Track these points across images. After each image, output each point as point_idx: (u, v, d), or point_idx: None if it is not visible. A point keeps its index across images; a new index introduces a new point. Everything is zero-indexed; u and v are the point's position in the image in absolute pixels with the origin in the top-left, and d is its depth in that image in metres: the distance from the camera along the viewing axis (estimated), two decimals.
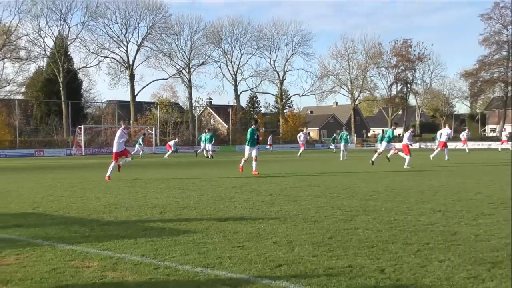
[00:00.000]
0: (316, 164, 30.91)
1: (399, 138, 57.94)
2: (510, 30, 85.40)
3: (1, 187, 17.22)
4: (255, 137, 22.23)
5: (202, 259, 6.61)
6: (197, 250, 7.14)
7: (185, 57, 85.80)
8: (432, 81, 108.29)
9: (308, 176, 20.36)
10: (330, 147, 64.40)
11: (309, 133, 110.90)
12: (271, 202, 12.13)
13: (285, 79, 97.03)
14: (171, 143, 48.49)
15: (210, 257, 6.71)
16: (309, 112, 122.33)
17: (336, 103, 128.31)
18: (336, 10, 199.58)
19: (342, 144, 37.12)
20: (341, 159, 35.56)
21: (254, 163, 21.63)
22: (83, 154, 59.16)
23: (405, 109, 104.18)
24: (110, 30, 78.66)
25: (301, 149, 42.45)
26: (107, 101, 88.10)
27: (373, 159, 27.41)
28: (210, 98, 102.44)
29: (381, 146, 27.70)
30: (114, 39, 78.64)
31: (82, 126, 62.07)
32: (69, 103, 68.19)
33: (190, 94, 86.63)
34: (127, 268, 6.24)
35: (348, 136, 38.21)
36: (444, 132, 32.54)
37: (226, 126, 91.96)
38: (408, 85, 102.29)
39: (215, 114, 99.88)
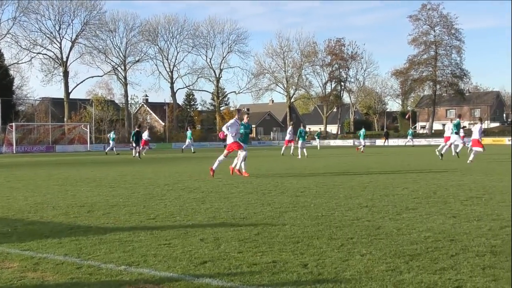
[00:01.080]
0: (251, 161, 31.00)
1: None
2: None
3: None
4: (247, 131, 19.87)
5: (126, 257, 6.55)
6: (123, 248, 7.07)
7: (121, 54, 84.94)
8: (365, 79, 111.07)
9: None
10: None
11: None
12: (202, 200, 12.12)
13: (221, 76, 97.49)
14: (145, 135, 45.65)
15: (135, 255, 6.66)
16: (246, 110, 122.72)
17: (272, 101, 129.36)
18: (271, 10, 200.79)
19: (300, 142, 35.18)
20: (300, 157, 34.00)
21: (242, 163, 19.00)
22: (14, 152, 57.60)
23: (339, 107, 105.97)
24: (43, 26, 77.12)
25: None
26: (40, 98, 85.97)
27: (442, 152, 28.09)
28: (146, 96, 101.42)
29: (454, 138, 28.04)
30: (47, 35, 77.12)
31: (14, 124, 60.43)
32: (0, 100, 66.19)
33: (126, 91, 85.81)
34: (48, 268, 6.12)
35: (305, 133, 36.97)
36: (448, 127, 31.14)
37: (163, 123, 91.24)
38: (342, 83, 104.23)
39: (151, 112, 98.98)
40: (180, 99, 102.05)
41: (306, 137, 35.92)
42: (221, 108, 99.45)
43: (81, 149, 64.31)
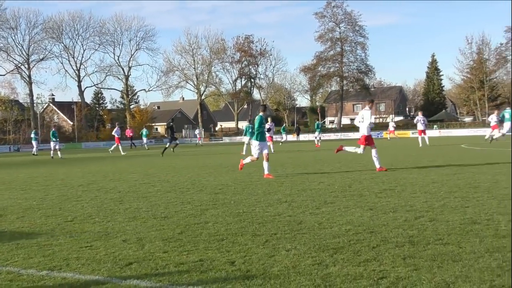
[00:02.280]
0: (164, 159, 30.74)
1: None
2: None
3: None
4: (265, 129, 17.68)
5: (47, 262, 6.35)
6: (42, 252, 6.85)
7: (24, 52, 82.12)
8: (274, 76, 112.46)
9: (157, 171, 20.21)
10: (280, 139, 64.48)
11: (157, 128, 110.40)
12: (120, 200, 11.90)
13: (130, 74, 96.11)
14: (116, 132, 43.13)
15: (56, 259, 6.46)
16: (156, 108, 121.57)
17: (183, 98, 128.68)
18: (178, 7, 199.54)
19: (247, 138, 33.15)
20: (244, 152, 31.97)
21: (265, 164, 16.42)
22: None
23: (250, 103, 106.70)
24: None
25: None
26: None
27: (495, 137, 32.39)
28: (52, 95, 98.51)
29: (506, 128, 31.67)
30: None
31: None
32: None
33: (31, 90, 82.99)
34: None
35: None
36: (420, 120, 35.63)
37: (71, 123, 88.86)
38: (252, 80, 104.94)
39: (58, 111, 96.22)
40: (89, 97, 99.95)
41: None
42: (131, 106, 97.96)
43: None
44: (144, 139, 53.86)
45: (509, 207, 9.03)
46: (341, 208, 9.67)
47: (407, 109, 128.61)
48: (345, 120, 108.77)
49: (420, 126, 35.55)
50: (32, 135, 45.40)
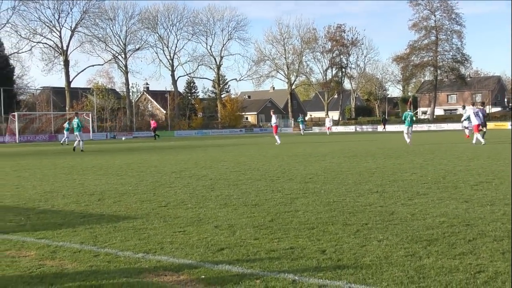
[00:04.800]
0: (254, 148, 31.01)
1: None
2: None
3: None
4: None
5: (143, 245, 6.55)
6: (138, 236, 7.07)
7: (121, 43, 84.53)
8: (366, 65, 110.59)
9: (248, 160, 20.42)
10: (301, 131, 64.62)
11: (247, 117, 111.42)
12: (211, 187, 12.11)
13: (222, 64, 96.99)
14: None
15: (151, 243, 6.65)
16: (247, 97, 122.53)
17: (273, 88, 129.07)
18: None
19: (406, 127, 30.48)
20: (408, 141, 29.65)
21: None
22: (17, 141, 57.58)
23: (340, 93, 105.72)
24: (42, 15, 76.67)
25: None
26: (41, 87, 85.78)
27: None
28: (147, 84, 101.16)
29: None
30: (47, 24, 76.69)
31: (16, 113, 60.36)
32: (1, 90, 66.08)
33: (127, 79, 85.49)
34: (66, 256, 6.12)
35: (413, 117, 31.08)
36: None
37: (164, 111, 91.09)
38: (343, 69, 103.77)
39: (152, 100, 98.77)
40: (181, 87, 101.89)
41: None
42: (222, 96, 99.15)
43: (84, 137, 64.22)
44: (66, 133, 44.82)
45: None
46: (435, 199, 9.43)
47: (505, 100, 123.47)
48: (439, 111, 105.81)
49: (475, 120, 28.42)
50: (66, 125, 44.89)
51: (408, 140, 29.29)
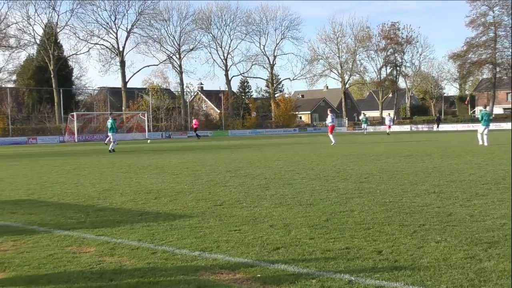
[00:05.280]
0: (309, 147, 30.92)
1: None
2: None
3: None
4: None
5: (199, 243, 6.62)
6: (194, 234, 7.15)
7: (175, 43, 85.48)
8: (421, 64, 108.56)
9: (302, 159, 20.37)
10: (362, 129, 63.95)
11: (300, 117, 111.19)
12: (266, 186, 12.14)
13: (275, 63, 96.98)
14: None
15: (207, 241, 6.72)
16: (300, 96, 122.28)
17: (327, 87, 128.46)
18: None
19: (482, 127, 28.66)
20: (481, 143, 27.89)
21: None
22: (76, 140, 59.00)
23: (395, 92, 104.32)
24: (99, 17, 78.31)
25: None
26: (98, 88, 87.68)
27: None
28: (201, 84, 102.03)
29: None
30: (104, 26, 78.22)
31: (74, 113, 61.82)
32: (61, 91, 67.82)
33: (181, 79, 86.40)
34: (125, 253, 6.24)
35: (489, 116, 29.21)
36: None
37: (218, 111, 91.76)
38: (398, 68, 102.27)
39: (206, 99, 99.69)
40: (235, 86, 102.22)
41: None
42: (276, 95, 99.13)
43: (140, 137, 65.29)
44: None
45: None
46: (495, 201, 9.21)
47: None
48: (498, 110, 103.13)
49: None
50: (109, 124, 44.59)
51: (481, 142, 27.84)
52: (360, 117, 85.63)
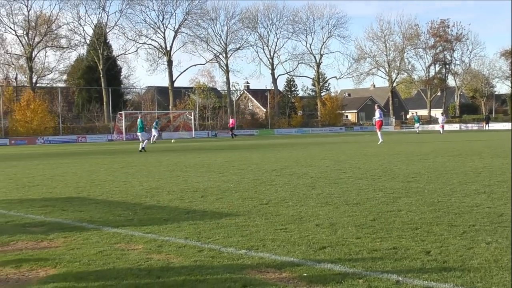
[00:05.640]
0: (355, 146, 30.69)
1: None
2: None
3: (46, 172, 17.55)
4: None
5: (245, 242, 6.64)
6: (240, 232, 7.17)
7: (222, 42, 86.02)
8: (471, 61, 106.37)
9: (348, 158, 20.23)
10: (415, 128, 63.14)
11: (347, 115, 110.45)
12: (312, 185, 12.09)
13: (321, 62, 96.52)
14: None
15: (253, 240, 6.73)
16: (347, 95, 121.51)
17: (374, 85, 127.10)
18: None
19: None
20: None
21: None
22: (124, 139, 59.92)
23: (444, 90, 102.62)
24: (148, 17, 79.65)
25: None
26: (146, 87, 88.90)
27: None
28: (247, 82, 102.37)
29: None
30: (152, 26, 79.31)
31: (123, 112, 62.80)
32: (109, 90, 69.02)
33: (228, 78, 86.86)
34: (172, 251, 6.30)
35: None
36: None
37: (264, 110, 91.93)
38: (447, 66, 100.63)
39: (252, 98, 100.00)
40: (281, 85, 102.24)
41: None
42: (322, 94, 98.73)
43: (186, 136, 65.94)
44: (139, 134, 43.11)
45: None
46: None
47: None
48: None
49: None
50: (154, 124, 45.37)
51: None
52: (408, 116, 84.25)
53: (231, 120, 62.36)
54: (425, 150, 24.57)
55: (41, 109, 61.67)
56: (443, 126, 58.83)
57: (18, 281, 5.35)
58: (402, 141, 37.92)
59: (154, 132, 44.66)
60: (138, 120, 33.25)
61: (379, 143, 31.88)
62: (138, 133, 32.53)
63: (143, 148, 30.54)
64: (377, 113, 34.39)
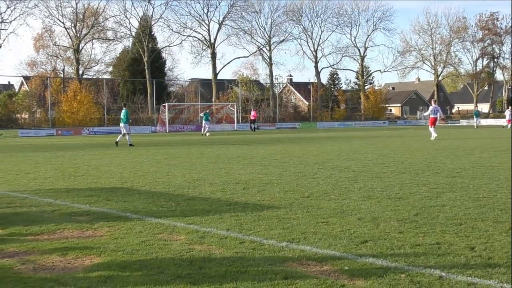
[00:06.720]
0: (398, 140, 30.35)
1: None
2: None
3: (91, 162, 17.86)
4: None
5: (286, 234, 6.65)
6: (281, 225, 7.19)
7: (266, 35, 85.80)
8: None
9: (391, 152, 20.03)
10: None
11: (390, 109, 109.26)
12: (354, 179, 12.02)
13: (366, 55, 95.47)
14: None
15: (294, 232, 6.74)
16: (391, 89, 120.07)
17: (419, 79, 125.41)
18: None
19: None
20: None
21: None
22: (167, 131, 60.43)
23: (491, 85, 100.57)
24: (192, 10, 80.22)
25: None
26: (189, 79, 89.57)
27: None
28: (290, 75, 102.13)
29: None
30: (196, 18, 79.56)
31: (166, 104, 63.30)
32: (154, 82, 69.70)
33: (271, 71, 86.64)
34: (214, 242, 6.36)
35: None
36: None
37: (307, 103, 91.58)
38: (495, 60, 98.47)
39: (295, 91, 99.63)
40: (324, 78, 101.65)
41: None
42: (366, 87, 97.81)
43: (229, 128, 66.18)
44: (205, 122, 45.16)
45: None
46: None
47: None
48: None
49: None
50: (204, 116, 45.41)
51: None
52: (453, 110, 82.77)
53: (252, 112, 61.24)
54: (470, 145, 24.15)
55: (87, 100, 62.66)
56: (510, 121, 55.96)
57: (64, 269, 5.48)
58: (447, 137, 37.25)
59: (206, 124, 44.80)
60: (123, 110, 29.99)
61: (431, 138, 29.89)
62: (121, 124, 29.61)
63: (117, 141, 29.13)
64: (429, 109, 31.75)
